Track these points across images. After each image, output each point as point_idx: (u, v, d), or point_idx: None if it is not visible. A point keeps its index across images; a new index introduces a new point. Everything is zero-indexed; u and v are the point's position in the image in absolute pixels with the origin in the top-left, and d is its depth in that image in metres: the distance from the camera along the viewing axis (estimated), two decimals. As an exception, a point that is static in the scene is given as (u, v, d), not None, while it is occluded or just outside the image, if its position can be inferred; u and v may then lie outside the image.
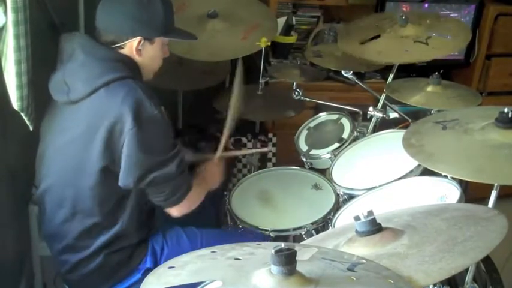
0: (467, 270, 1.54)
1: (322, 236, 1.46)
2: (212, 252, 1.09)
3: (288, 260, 0.92)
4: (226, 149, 2.00)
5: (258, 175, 2.22)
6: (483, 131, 1.47)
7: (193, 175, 1.78)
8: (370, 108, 2.23)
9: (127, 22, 1.58)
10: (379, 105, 2.27)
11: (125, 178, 1.56)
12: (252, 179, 2.19)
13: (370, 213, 1.21)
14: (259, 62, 2.36)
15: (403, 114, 2.32)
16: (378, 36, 2.15)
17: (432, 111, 2.03)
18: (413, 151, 1.52)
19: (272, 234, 1.88)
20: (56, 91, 1.61)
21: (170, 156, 1.58)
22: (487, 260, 1.82)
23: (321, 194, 2.06)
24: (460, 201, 1.59)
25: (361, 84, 2.33)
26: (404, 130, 1.69)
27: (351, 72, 2.26)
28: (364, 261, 1.06)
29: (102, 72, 1.54)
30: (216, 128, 2.29)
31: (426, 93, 2.01)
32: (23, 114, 1.56)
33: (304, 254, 1.06)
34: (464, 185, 1.68)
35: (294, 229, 1.90)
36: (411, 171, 1.82)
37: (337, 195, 1.99)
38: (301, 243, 1.49)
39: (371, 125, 2.25)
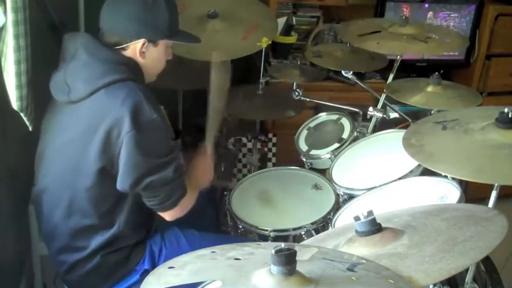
0: (467, 270, 1.54)
1: (322, 236, 1.46)
2: (212, 252, 1.09)
3: (288, 260, 0.92)
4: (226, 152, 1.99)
5: (258, 175, 2.22)
6: (483, 131, 1.47)
7: (186, 176, 1.77)
8: (370, 108, 2.23)
9: (131, 24, 1.58)
10: (379, 105, 2.27)
11: (122, 181, 1.55)
12: (252, 179, 2.19)
13: (370, 213, 1.21)
14: (259, 62, 2.36)
15: (403, 114, 2.32)
16: (377, 32, 2.15)
17: (432, 111, 2.03)
18: (413, 151, 1.52)
19: (272, 234, 1.88)
20: (57, 90, 1.61)
21: (168, 160, 1.58)
22: (487, 260, 1.82)
23: (321, 194, 2.06)
24: (460, 201, 1.59)
25: (361, 84, 2.33)
26: (404, 130, 1.69)
27: (351, 72, 2.26)
28: (364, 261, 1.06)
29: (104, 73, 1.54)
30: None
31: (426, 93, 2.01)
32: (22, 114, 1.56)
33: (304, 254, 1.05)
34: (464, 185, 1.68)
35: (294, 229, 1.90)
36: (411, 171, 1.82)
37: (337, 195, 1.99)
38: (301, 243, 1.49)
39: (371, 125, 2.25)
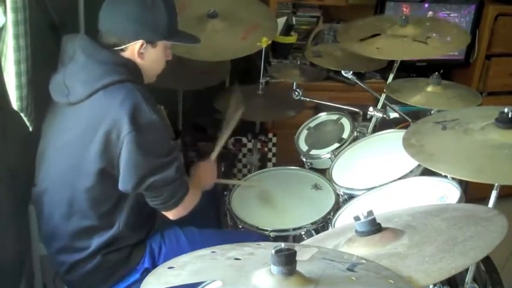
0: (467, 270, 1.54)
1: (322, 236, 1.46)
2: (212, 252, 1.09)
3: (288, 260, 0.92)
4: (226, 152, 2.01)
5: (258, 175, 2.22)
6: (483, 131, 1.47)
7: (188, 176, 1.78)
8: (370, 108, 2.23)
9: (130, 25, 1.57)
10: (379, 105, 2.27)
11: (124, 182, 1.55)
12: (252, 179, 2.19)
13: (370, 213, 1.21)
14: (259, 62, 2.36)
15: (403, 114, 2.32)
16: (377, 35, 2.15)
17: (432, 111, 2.03)
18: (413, 151, 1.52)
19: (272, 234, 1.88)
20: (56, 92, 1.61)
21: (169, 159, 1.58)
22: (487, 260, 1.82)
23: (321, 194, 2.06)
24: (460, 201, 1.60)
25: (361, 84, 2.33)
26: (404, 130, 1.69)
27: (351, 72, 2.26)
28: (364, 261, 1.06)
29: (102, 75, 1.54)
30: (216, 128, 2.30)
31: (426, 93, 2.01)
32: (22, 115, 1.56)
33: (304, 254, 1.05)
34: (464, 185, 1.68)
35: (294, 229, 1.90)
36: (411, 171, 1.82)
37: (337, 195, 1.99)
38: (301, 243, 1.49)
39: (371, 125, 2.25)
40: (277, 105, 2.42)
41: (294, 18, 2.91)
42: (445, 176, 1.68)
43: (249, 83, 2.59)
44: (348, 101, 2.41)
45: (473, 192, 1.83)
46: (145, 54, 1.62)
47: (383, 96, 2.26)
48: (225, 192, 2.11)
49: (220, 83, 2.65)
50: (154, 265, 1.70)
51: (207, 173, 1.88)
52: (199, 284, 1.16)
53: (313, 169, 2.20)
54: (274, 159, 2.80)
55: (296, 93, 2.30)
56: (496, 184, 1.47)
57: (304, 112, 2.42)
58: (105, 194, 1.60)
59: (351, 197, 1.90)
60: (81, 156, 1.55)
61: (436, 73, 2.02)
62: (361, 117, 2.29)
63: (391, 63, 2.31)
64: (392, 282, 0.98)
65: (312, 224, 1.90)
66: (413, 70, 2.83)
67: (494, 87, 3.09)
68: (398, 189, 1.81)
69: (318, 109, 2.51)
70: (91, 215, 1.62)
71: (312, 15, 3.06)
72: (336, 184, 1.99)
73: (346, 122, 2.25)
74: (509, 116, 1.42)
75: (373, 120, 2.24)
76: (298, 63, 2.78)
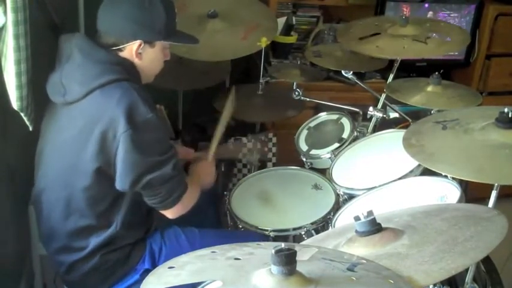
0: (467, 270, 1.54)
1: (322, 236, 1.46)
2: (212, 252, 1.09)
3: (288, 260, 0.92)
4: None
5: (258, 175, 2.22)
6: (483, 131, 1.47)
7: (187, 175, 1.78)
8: (370, 108, 2.23)
9: (128, 25, 1.58)
10: (379, 105, 2.27)
11: (121, 181, 1.55)
12: (252, 179, 2.19)
13: (370, 213, 1.21)
14: (259, 62, 2.36)
15: (403, 114, 2.32)
16: (377, 34, 2.15)
17: (432, 111, 2.03)
18: (413, 151, 1.52)
19: (272, 234, 1.88)
20: (53, 92, 1.61)
21: (166, 158, 1.58)
22: (487, 260, 1.82)
23: (321, 194, 2.06)
24: (460, 201, 1.59)
25: (361, 84, 2.33)
26: (404, 130, 1.69)
27: (351, 72, 2.26)
28: (364, 261, 1.06)
29: (98, 74, 1.54)
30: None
31: (426, 93, 2.01)
32: (22, 114, 1.56)
33: (304, 254, 1.05)
34: (464, 185, 1.68)
35: (294, 229, 1.90)
36: (411, 171, 1.82)
37: (337, 195, 1.99)
38: (301, 243, 1.49)
39: (371, 125, 2.25)
40: (277, 105, 2.42)
41: (294, 18, 2.91)
42: (445, 176, 1.68)
43: (249, 83, 2.59)
44: (348, 101, 2.41)
45: (473, 192, 1.83)
46: (143, 54, 1.62)
47: (383, 96, 2.26)
48: (225, 192, 2.11)
49: (220, 83, 2.65)
50: (154, 266, 1.70)
51: (206, 171, 1.88)
52: (199, 284, 1.16)
53: (313, 169, 2.20)
54: (274, 159, 2.80)
55: (296, 93, 2.30)
56: (496, 184, 1.47)
57: (304, 112, 2.42)
58: (103, 193, 1.60)
59: (351, 197, 1.90)
60: (78, 156, 1.55)
61: (436, 73, 2.02)
62: (361, 117, 2.29)
63: (391, 63, 2.31)
64: (392, 282, 0.97)
65: (312, 224, 1.90)
66: (413, 70, 2.83)
67: (494, 87, 3.09)
68: (398, 189, 1.81)
69: (318, 109, 2.51)
70: (89, 214, 1.62)
71: (312, 15, 3.06)
72: (336, 184, 1.99)
73: (346, 122, 2.25)
74: (509, 116, 1.42)
75: (373, 120, 2.24)
76: (298, 63, 2.79)
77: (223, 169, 2.49)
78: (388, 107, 2.30)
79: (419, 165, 1.78)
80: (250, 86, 2.46)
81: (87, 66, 1.56)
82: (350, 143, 2.14)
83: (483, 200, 1.48)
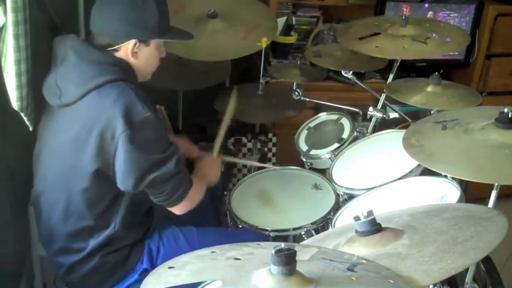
0: (467, 270, 1.54)
1: (322, 236, 1.46)
2: (212, 252, 1.09)
3: (288, 260, 0.92)
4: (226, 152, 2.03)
5: (258, 175, 2.22)
6: (483, 131, 1.47)
7: (192, 171, 1.78)
8: (370, 108, 2.23)
9: (121, 25, 1.57)
10: (379, 105, 2.27)
11: (124, 181, 1.55)
12: (252, 179, 2.19)
13: (370, 213, 1.21)
14: (259, 62, 2.36)
15: (403, 114, 2.32)
16: (377, 34, 2.15)
17: (432, 111, 2.03)
18: (413, 151, 1.52)
19: (272, 234, 1.88)
20: (49, 94, 1.60)
21: (167, 155, 1.57)
22: (487, 260, 1.82)
23: (321, 194, 2.06)
24: (460, 201, 1.59)
25: (361, 84, 2.33)
26: (404, 130, 1.69)
27: (351, 72, 2.26)
28: (364, 261, 1.06)
29: (95, 75, 1.54)
30: (216, 128, 2.30)
31: (426, 93, 2.01)
32: (22, 114, 1.56)
33: (304, 254, 1.05)
34: (464, 185, 1.68)
35: (294, 229, 1.90)
36: (411, 171, 1.82)
37: (337, 195, 1.99)
38: (301, 243, 1.49)
39: (371, 125, 2.25)
40: (277, 105, 2.42)
41: (294, 18, 2.91)
42: (445, 176, 1.68)
43: (249, 83, 2.59)
44: (348, 101, 2.41)
45: (473, 192, 1.83)
46: (138, 53, 1.61)
47: (383, 96, 2.26)
48: (225, 192, 2.11)
49: (220, 83, 2.65)
50: (152, 266, 1.70)
51: (211, 167, 1.88)
52: (199, 284, 1.16)
53: (313, 169, 2.20)
54: (274, 159, 2.80)
55: (296, 93, 2.30)
56: (496, 184, 1.47)
57: (304, 112, 2.42)
58: (101, 194, 1.60)
59: (351, 197, 1.90)
60: (77, 158, 1.55)
61: (436, 73, 2.02)
62: (361, 117, 2.29)
63: (391, 63, 2.31)
64: (392, 282, 0.98)
65: (312, 224, 1.90)
66: (413, 70, 2.84)
67: (494, 87, 3.09)
68: (398, 189, 1.81)
69: (318, 109, 2.51)
70: (87, 215, 1.61)
71: (312, 15, 3.05)
72: (336, 184, 1.99)
73: (346, 122, 2.25)
74: (509, 116, 1.42)
75: (373, 120, 2.24)
76: (298, 63, 2.78)
77: (223, 169, 2.49)
78: (388, 107, 2.30)
79: (419, 165, 1.78)
80: (250, 86, 2.46)
81: (83, 68, 1.55)
82: (350, 143, 2.14)
83: (483, 200, 1.48)
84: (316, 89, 2.61)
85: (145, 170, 1.55)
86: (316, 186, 2.10)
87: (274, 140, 2.79)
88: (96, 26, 1.60)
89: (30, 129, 1.62)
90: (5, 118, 1.74)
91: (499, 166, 1.39)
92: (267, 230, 1.89)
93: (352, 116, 2.28)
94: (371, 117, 2.23)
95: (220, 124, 2.02)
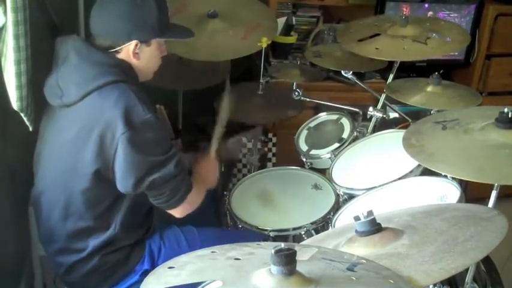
0: (467, 270, 1.54)
1: (322, 236, 1.46)
2: (212, 252, 1.09)
3: (288, 260, 0.92)
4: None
5: (258, 175, 2.22)
6: (483, 131, 1.47)
7: (191, 175, 1.78)
8: (370, 108, 2.23)
9: (121, 25, 1.57)
10: (379, 105, 2.27)
11: (123, 183, 1.55)
12: (252, 179, 2.19)
13: (370, 213, 1.21)
14: (259, 62, 2.36)
15: (403, 114, 2.32)
16: (377, 35, 2.15)
17: (432, 111, 2.03)
18: (413, 151, 1.52)
19: (272, 234, 1.89)
20: (50, 94, 1.60)
21: (167, 157, 1.57)
22: (487, 260, 1.82)
23: (321, 194, 2.06)
24: (460, 201, 1.60)
25: (361, 84, 2.33)
26: (404, 130, 1.69)
27: (351, 72, 2.25)
28: (364, 261, 1.06)
29: (95, 76, 1.53)
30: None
31: (426, 93, 2.01)
32: (22, 115, 1.56)
33: (304, 254, 1.05)
34: (464, 185, 1.68)
35: (294, 229, 1.91)
36: (411, 171, 1.82)
37: (337, 195, 1.99)
38: (301, 243, 1.49)
39: (371, 125, 2.25)
40: (277, 105, 2.42)
41: (294, 18, 2.91)
42: (445, 176, 1.68)
43: (249, 82, 2.59)
44: (348, 101, 2.41)
45: (473, 192, 1.83)
46: (140, 54, 1.61)
47: (383, 96, 2.26)
48: (225, 192, 2.11)
49: (220, 83, 2.65)
50: (153, 267, 1.69)
51: (209, 169, 1.87)
52: (199, 284, 1.16)
53: (313, 169, 2.20)
54: (274, 159, 2.80)
55: (296, 93, 2.30)
56: (496, 184, 1.47)
57: (304, 112, 2.42)
58: (101, 195, 1.60)
59: (351, 197, 1.90)
60: (77, 158, 1.55)
61: (436, 73, 2.02)
62: (361, 117, 2.30)
63: (391, 63, 2.31)
64: (392, 282, 0.98)
65: (312, 224, 1.90)
66: (413, 70, 2.84)
67: (494, 87, 3.09)
68: (398, 189, 1.81)
69: (318, 109, 2.51)
70: (87, 216, 1.61)
71: (312, 15, 3.06)
72: (336, 184, 1.99)
73: (346, 122, 2.25)
74: (509, 116, 1.42)
75: (373, 120, 2.24)
76: (298, 63, 2.79)
77: (223, 169, 2.50)
78: (388, 107, 2.30)
79: (419, 165, 1.78)
80: (250, 86, 2.46)
81: (84, 68, 1.55)
82: (350, 143, 2.14)
83: (483, 200, 1.48)
84: (316, 89, 2.61)
85: (145, 172, 1.54)
86: (316, 186, 2.10)
87: (274, 140, 2.79)
88: (96, 27, 1.60)
89: (30, 129, 1.62)
90: (5, 118, 1.74)
91: (499, 166, 1.39)
92: (267, 230, 1.89)
93: (352, 116, 2.28)
94: (371, 117, 2.23)
95: (216, 124, 2.01)
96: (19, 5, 1.41)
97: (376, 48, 2.08)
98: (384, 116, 2.23)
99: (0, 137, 1.76)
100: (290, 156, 2.32)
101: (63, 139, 1.59)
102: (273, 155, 2.80)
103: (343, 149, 2.13)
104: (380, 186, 1.84)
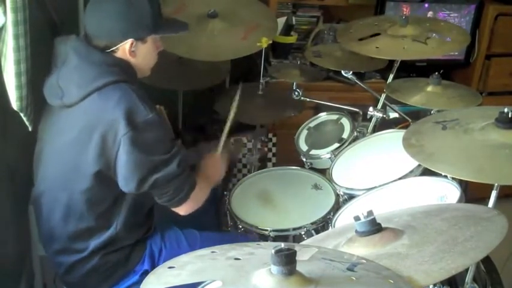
0: (467, 270, 1.54)
1: (322, 236, 1.46)
2: (212, 252, 1.09)
3: (288, 260, 0.92)
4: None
5: (258, 175, 2.22)
6: (483, 131, 1.47)
7: (196, 172, 1.78)
8: (370, 108, 2.23)
9: (116, 27, 1.56)
10: (379, 105, 2.27)
11: (127, 183, 1.55)
12: (252, 179, 2.19)
13: (370, 213, 1.21)
14: (259, 62, 2.36)
15: (403, 114, 2.32)
16: (377, 35, 2.15)
17: (432, 111, 2.03)
18: (413, 151, 1.52)
19: (272, 234, 1.88)
20: (50, 95, 1.60)
21: (170, 156, 1.57)
22: (487, 260, 1.82)
23: (321, 194, 2.06)
24: (460, 201, 1.60)
25: (361, 84, 2.33)
26: (404, 130, 1.69)
27: (351, 72, 2.26)
28: (364, 261, 1.06)
29: (96, 77, 1.53)
30: (216, 128, 2.30)
31: (426, 93, 2.01)
32: (22, 115, 1.56)
33: (304, 254, 1.05)
34: (464, 185, 1.68)
35: (294, 229, 1.91)
36: (411, 171, 1.82)
37: (337, 195, 1.99)
38: (301, 243, 1.49)
39: (371, 125, 2.25)
40: (277, 105, 2.42)
41: (294, 18, 2.91)
42: (445, 176, 1.68)
43: (249, 82, 2.59)
44: (348, 101, 2.41)
45: (473, 192, 1.83)
46: (136, 51, 1.60)
47: (383, 96, 2.26)
48: (225, 192, 2.11)
49: (220, 83, 2.65)
50: (153, 267, 1.70)
51: (214, 166, 1.87)
52: (199, 284, 1.16)
53: (313, 169, 2.20)
54: (274, 159, 2.80)
55: (296, 93, 2.30)
56: (496, 184, 1.47)
57: (304, 112, 2.42)
58: (102, 195, 1.60)
59: (351, 197, 1.90)
60: (78, 159, 1.55)
61: (436, 73, 2.02)
62: (361, 117, 2.30)
63: (391, 63, 2.31)
64: (392, 282, 0.97)
65: (312, 224, 1.90)
66: (413, 70, 2.83)
67: (494, 87, 3.09)
68: (398, 189, 1.81)
69: (318, 109, 2.52)
70: (88, 216, 1.61)
71: (312, 15, 3.06)
72: (336, 184, 1.99)
73: (346, 122, 2.25)
74: (509, 116, 1.42)
75: (373, 120, 2.24)
76: (298, 63, 2.79)
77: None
78: (388, 107, 2.30)
79: (419, 165, 1.78)
80: (250, 86, 2.46)
81: (84, 69, 1.55)
82: (350, 143, 2.14)
83: (483, 200, 1.48)
84: (316, 89, 2.61)
85: (148, 172, 1.54)
86: (316, 186, 2.10)
87: (274, 140, 2.79)
88: (91, 27, 1.59)
89: (30, 129, 1.62)
90: (5, 118, 1.74)
91: (499, 166, 1.38)
92: (267, 230, 1.89)
93: (352, 116, 2.28)
94: (371, 117, 2.23)
95: (225, 122, 2.01)
96: (19, 5, 1.41)
97: (376, 47, 2.08)
98: (384, 116, 2.23)
99: (0, 137, 1.76)
100: (290, 156, 2.32)
101: (64, 139, 1.59)
102: (273, 155, 2.80)
103: (343, 149, 2.13)
104: (380, 186, 1.84)
